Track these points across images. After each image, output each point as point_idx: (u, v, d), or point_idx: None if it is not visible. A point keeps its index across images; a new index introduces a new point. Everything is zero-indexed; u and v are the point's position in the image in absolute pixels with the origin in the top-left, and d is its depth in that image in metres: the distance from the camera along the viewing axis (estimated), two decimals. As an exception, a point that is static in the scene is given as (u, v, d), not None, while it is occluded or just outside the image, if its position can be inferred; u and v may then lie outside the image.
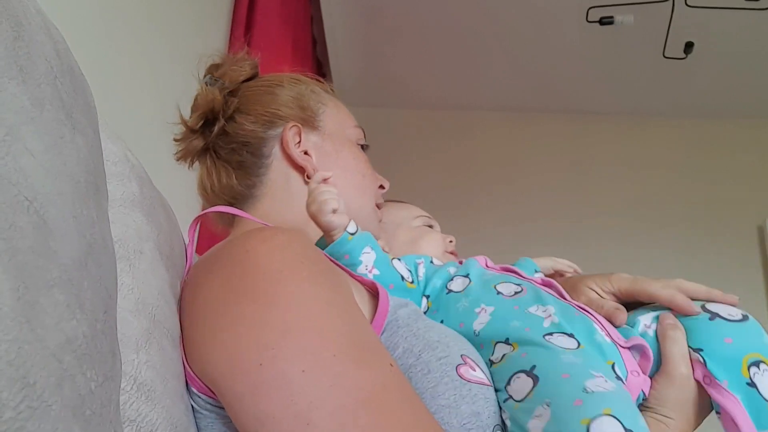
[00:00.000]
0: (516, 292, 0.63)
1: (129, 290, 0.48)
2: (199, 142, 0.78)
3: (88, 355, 0.32)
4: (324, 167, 0.75)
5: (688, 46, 2.34)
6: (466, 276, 0.69)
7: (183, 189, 1.34)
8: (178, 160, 0.81)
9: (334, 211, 0.67)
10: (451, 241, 0.94)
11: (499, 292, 0.64)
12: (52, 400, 0.28)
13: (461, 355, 0.57)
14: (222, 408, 0.51)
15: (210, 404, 0.52)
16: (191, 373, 0.52)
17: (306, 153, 0.76)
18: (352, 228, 0.68)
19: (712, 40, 2.37)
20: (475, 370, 0.56)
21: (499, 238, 2.66)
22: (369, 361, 0.49)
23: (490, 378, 0.57)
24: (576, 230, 2.72)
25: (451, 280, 0.70)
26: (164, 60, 1.22)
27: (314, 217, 0.68)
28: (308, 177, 0.74)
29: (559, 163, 2.85)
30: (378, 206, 0.81)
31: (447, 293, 0.68)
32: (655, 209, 2.73)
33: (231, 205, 0.77)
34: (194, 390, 0.52)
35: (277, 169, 0.76)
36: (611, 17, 2.21)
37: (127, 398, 0.42)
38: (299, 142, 0.76)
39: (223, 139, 0.77)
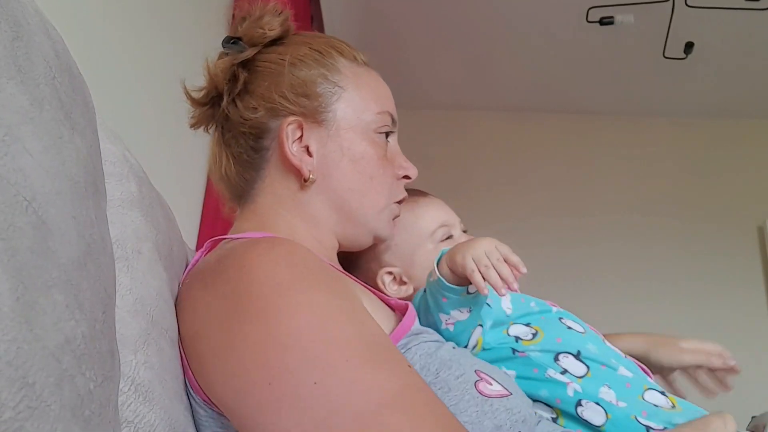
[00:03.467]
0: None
1: (127, 291, 0.48)
2: (210, 113, 0.72)
3: (87, 356, 0.32)
4: (326, 169, 0.67)
5: (688, 46, 2.34)
6: (582, 361, 0.66)
7: (182, 188, 1.34)
8: (191, 126, 0.74)
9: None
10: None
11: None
12: (52, 400, 0.28)
13: (475, 371, 0.57)
14: (223, 415, 0.51)
15: (212, 410, 0.52)
16: (195, 383, 0.52)
17: (308, 150, 0.67)
18: (472, 288, 0.65)
19: (712, 40, 2.36)
20: (491, 384, 0.56)
21: (498, 239, 2.66)
22: (385, 362, 0.47)
23: (508, 387, 0.57)
24: (576, 230, 2.72)
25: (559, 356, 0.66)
26: (164, 60, 1.22)
27: (465, 266, 0.62)
28: (305, 180, 0.66)
29: (559, 163, 2.85)
30: (398, 202, 0.73)
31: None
32: (655, 209, 2.73)
33: (233, 195, 0.73)
34: (196, 396, 0.52)
35: (275, 164, 0.68)
36: (611, 17, 2.21)
37: (125, 399, 0.42)
38: (300, 137, 0.67)
39: (226, 123, 0.70)
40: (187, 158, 1.35)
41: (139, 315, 0.47)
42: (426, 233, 0.79)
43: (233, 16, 1.59)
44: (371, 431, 0.42)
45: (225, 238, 0.64)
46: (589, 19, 2.24)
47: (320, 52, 0.70)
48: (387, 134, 0.72)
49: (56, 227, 0.32)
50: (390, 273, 0.79)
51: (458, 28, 2.44)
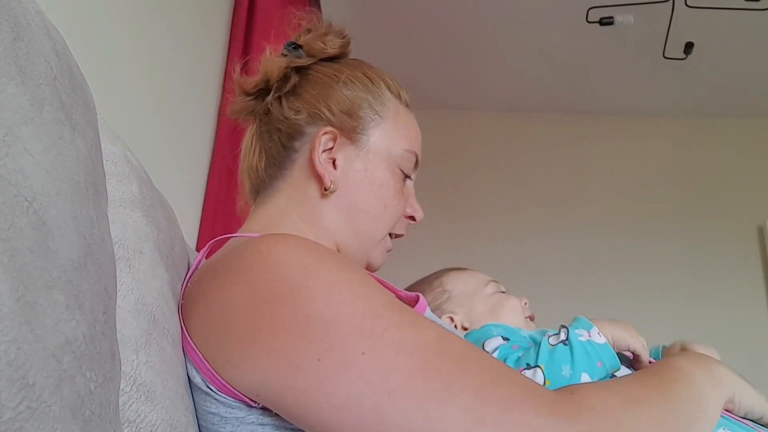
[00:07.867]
0: None
1: (128, 290, 0.48)
2: (252, 105, 0.75)
3: (87, 356, 0.32)
4: (346, 185, 0.70)
5: (688, 46, 2.34)
6: None
7: (183, 188, 1.34)
8: (229, 114, 0.77)
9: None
10: (525, 303, 0.90)
11: None
12: (52, 401, 0.28)
13: None
14: (251, 407, 0.52)
15: (241, 403, 0.52)
16: (217, 379, 0.51)
17: (334, 162, 0.70)
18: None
19: (712, 40, 2.37)
20: None
21: (498, 238, 2.66)
22: (417, 321, 0.51)
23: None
24: (575, 230, 2.72)
25: None
26: (165, 60, 1.22)
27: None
28: (325, 189, 0.69)
29: (559, 163, 2.85)
30: (394, 236, 0.76)
31: None
32: (655, 209, 2.73)
33: (252, 189, 0.75)
34: (219, 394, 0.52)
35: (300, 167, 0.71)
36: (611, 17, 2.21)
37: (127, 399, 0.42)
38: (331, 148, 0.70)
39: (265, 117, 0.74)
40: (188, 159, 1.35)
41: (140, 315, 0.47)
42: (482, 284, 0.91)
43: (233, 17, 1.60)
44: (428, 381, 0.46)
45: (230, 237, 0.65)
46: (589, 19, 2.24)
47: (371, 81, 0.75)
48: (408, 173, 0.76)
49: (56, 228, 0.32)
50: (451, 319, 0.88)
51: (457, 29, 2.44)
